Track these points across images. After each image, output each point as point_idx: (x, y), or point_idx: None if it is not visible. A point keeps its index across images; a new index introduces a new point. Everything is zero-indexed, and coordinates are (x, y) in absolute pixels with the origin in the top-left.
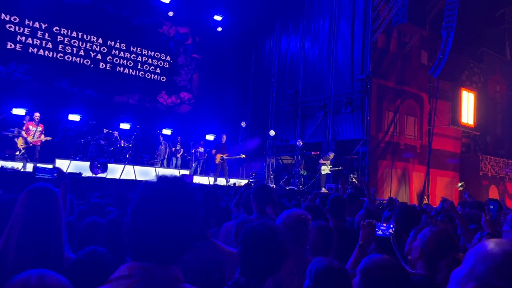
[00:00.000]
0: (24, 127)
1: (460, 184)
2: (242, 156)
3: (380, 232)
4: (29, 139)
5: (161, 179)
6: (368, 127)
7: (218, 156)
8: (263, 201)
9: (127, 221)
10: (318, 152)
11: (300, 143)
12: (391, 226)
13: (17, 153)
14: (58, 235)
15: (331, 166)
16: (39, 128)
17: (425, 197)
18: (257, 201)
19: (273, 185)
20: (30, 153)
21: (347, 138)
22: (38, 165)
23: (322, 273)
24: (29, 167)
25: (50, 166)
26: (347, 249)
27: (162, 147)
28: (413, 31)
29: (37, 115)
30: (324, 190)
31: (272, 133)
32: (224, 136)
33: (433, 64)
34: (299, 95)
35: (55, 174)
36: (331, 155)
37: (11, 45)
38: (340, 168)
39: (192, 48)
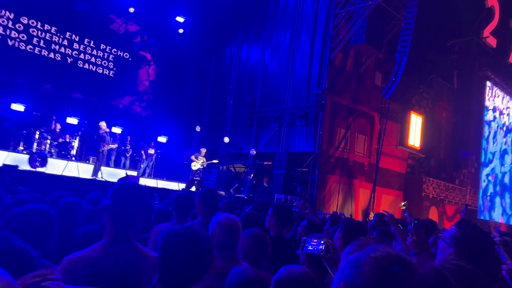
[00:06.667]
0: None
1: (403, 204)
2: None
3: (310, 248)
4: None
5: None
6: (320, 142)
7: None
8: (209, 206)
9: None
10: (271, 163)
11: (253, 152)
12: (322, 242)
13: None
14: None
15: (203, 161)
16: None
17: (371, 213)
18: (203, 205)
19: (221, 192)
20: None
21: (299, 151)
22: None
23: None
24: None
25: None
26: (288, 260)
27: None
28: (369, 52)
29: None
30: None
31: (226, 139)
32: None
33: (386, 86)
34: (256, 104)
35: None
36: (203, 151)
37: None
38: (216, 161)
39: (153, 46)
